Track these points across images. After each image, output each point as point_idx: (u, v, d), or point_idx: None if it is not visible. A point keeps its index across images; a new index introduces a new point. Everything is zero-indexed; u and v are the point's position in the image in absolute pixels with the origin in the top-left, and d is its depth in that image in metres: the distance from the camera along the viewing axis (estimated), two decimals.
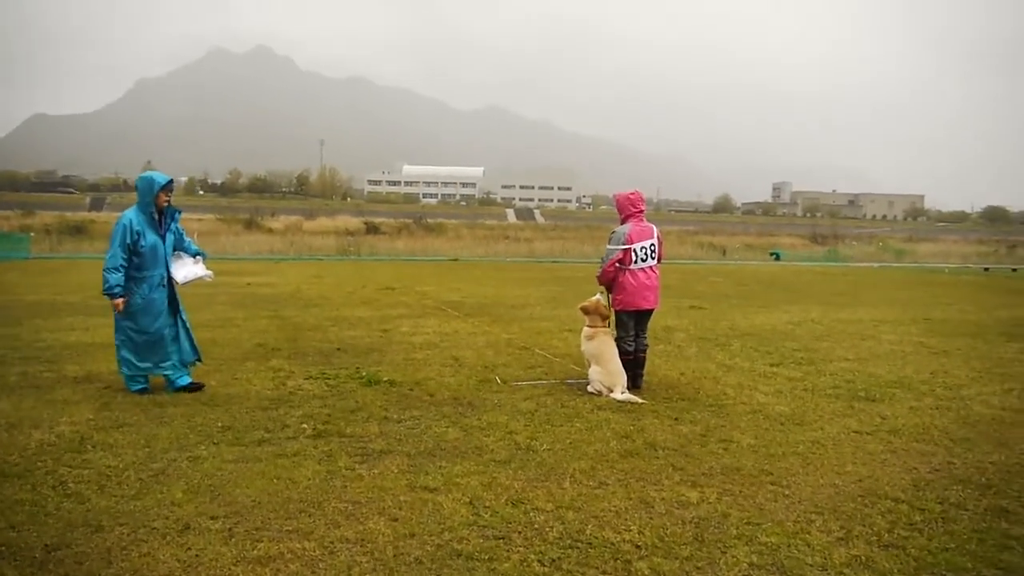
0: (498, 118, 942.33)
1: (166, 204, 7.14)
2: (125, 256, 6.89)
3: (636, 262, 7.64)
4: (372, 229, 48.61)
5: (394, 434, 6.04)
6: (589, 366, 7.59)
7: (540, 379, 8.13)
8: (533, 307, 15.08)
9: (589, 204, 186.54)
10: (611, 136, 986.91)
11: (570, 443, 5.90)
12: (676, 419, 6.64)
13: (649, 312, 7.84)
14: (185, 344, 7.36)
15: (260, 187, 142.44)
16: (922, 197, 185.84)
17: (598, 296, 7.74)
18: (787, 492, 5.03)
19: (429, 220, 62.78)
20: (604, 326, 7.59)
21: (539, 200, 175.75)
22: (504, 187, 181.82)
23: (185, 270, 7.38)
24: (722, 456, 5.70)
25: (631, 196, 7.89)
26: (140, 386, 7.17)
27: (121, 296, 6.91)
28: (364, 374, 8.07)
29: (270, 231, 47.30)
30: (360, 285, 19.29)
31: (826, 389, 7.98)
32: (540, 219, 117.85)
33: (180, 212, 7.42)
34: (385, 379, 7.85)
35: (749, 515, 4.64)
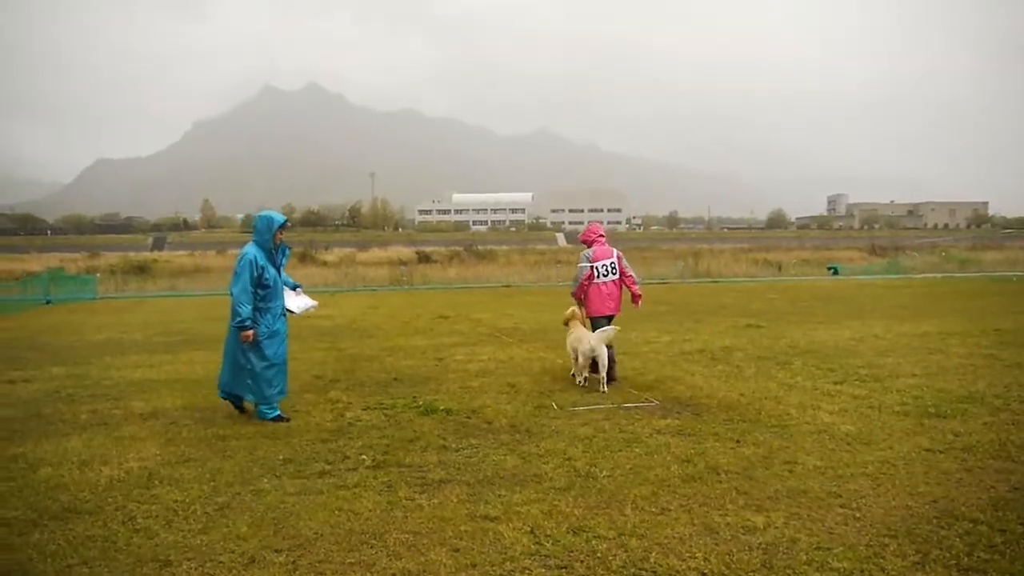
0: (544, 142, 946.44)
1: (280, 242, 7.63)
2: (252, 290, 7.34)
3: (598, 277, 9.56)
4: (424, 258, 49.17)
5: (453, 463, 6.04)
6: (574, 360, 9.28)
7: (597, 404, 8.07)
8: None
9: (639, 225, 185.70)
10: (658, 156, 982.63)
11: (630, 469, 5.83)
12: (738, 441, 6.51)
13: (612, 316, 9.65)
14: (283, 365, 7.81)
15: (314, 221, 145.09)
16: (986, 204, 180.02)
17: (573, 308, 9.84)
18: (858, 515, 4.87)
19: (480, 247, 63.26)
20: (584, 329, 9.45)
21: (589, 223, 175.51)
22: (553, 211, 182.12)
23: (298, 301, 7.96)
24: (787, 479, 5.56)
25: (591, 228, 10.04)
26: (275, 413, 7.51)
27: (253, 327, 7.33)
28: (421, 403, 8.11)
29: (324, 264, 48.15)
30: (414, 314, 19.45)
31: (893, 406, 7.74)
32: None
33: (290, 249, 7.93)
34: (442, 408, 7.88)
35: (819, 540, 4.51)
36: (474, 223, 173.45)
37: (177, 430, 7.25)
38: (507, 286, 33.91)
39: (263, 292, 7.41)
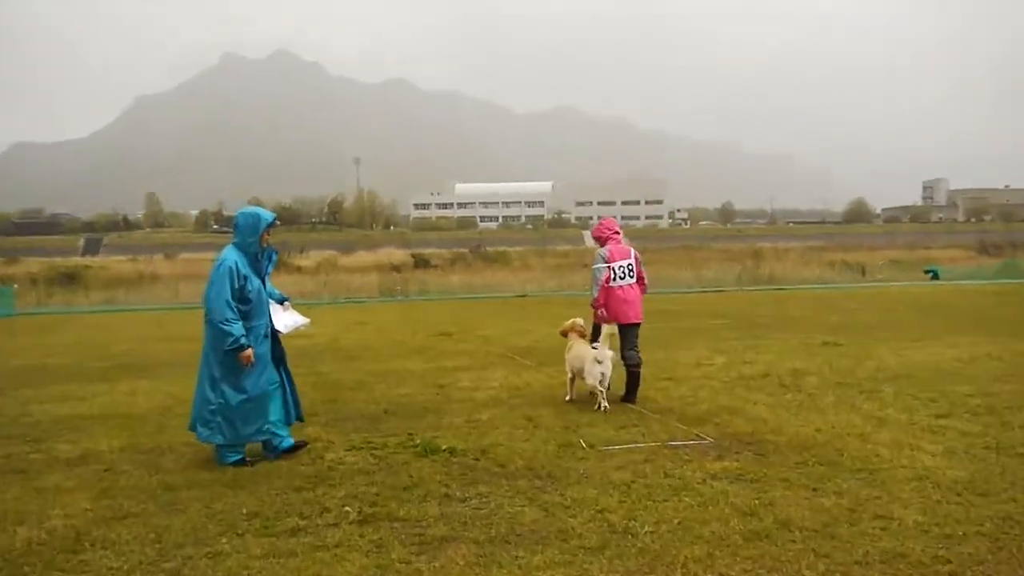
0: (566, 121, 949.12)
1: (266, 245, 7.69)
2: (234, 304, 7.39)
3: (615, 279, 10.06)
4: (422, 263, 49.34)
5: (458, 516, 6.02)
6: (570, 379, 10.09)
7: (636, 442, 8.03)
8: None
9: (685, 219, 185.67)
10: (705, 133, 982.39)
11: (678, 523, 5.79)
12: (815, 490, 6.45)
13: (635, 326, 10.16)
14: (291, 400, 7.90)
15: (286, 218, 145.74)
16: None
17: (574, 320, 10.53)
18: None
19: (489, 249, 63.43)
20: (586, 342, 10.11)
21: (623, 218, 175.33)
22: (579, 204, 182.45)
23: (285, 318, 8.01)
24: (880, 538, 5.49)
25: (604, 223, 10.66)
26: (237, 457, 7.55)
27: (251, 345, 7.40)
28: (418, 442, 8.11)
29: (299, 270, 48.38)
30: (410, 331, 19.44)
31: (1017, 447, 7.63)
32: (624, 241, 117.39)
33: (277, 253, 7.99)
34: (444, 447, 7.87)
35: None
36: (482, 219, 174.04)
37: (113, 478, 7.24)
38: (523, 296, 33.92)
39: (244, 308, 7.45)
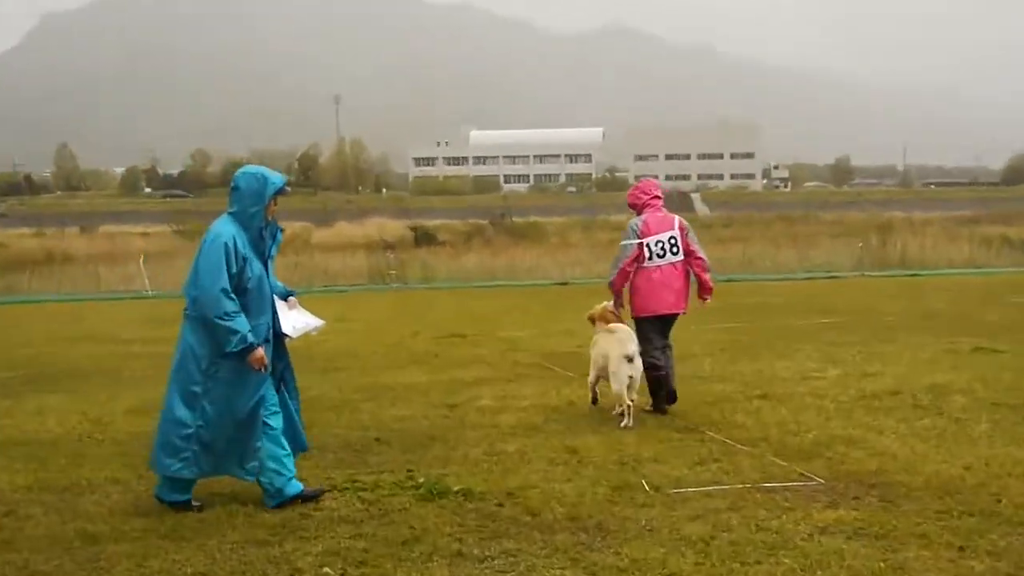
0: (622, 46, 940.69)
1: (272, 218, 7.75)
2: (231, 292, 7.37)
3: (652, 258, 10.63)
4: (425, 239, 49.34)
5: None
6: (593, 382, 11.07)
7: (718, 483, 8.06)
8: (700, 359, 14.94)
9: (785, 180, 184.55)
10: (814, 63, 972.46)
11: None
12: (961, 549, 6.45)
13: (672, 318, 10.92)
14: (298, 425, 7.98)
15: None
16: None
17: (606, 304, 11.11)
18: None
19: (516, 219, 63.24)
20: (614, 335, 10.67)
21: (699, 176, 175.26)
22: (639, 158, 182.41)
23: (293, 318, 8.01)
24: None
25: (640, 184, 11.28)
26: (184, 498, 7.54)
27: (260, 343, 7.41)
28: (421, 480, 8.13)
29: None
30: (409, 331, 19.48)
31: None
32: (702, 208, 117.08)
33: (282, 231, 8.08)
34: (456, 488, 7.89)
35: None
36: (506, 179, 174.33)
37: (17, 526, 7.32)
38: (563, 284, 33.92)
39: (240, 301, 7.39)
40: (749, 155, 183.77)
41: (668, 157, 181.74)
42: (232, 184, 7.69)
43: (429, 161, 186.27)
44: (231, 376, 7.39)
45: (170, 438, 7.39)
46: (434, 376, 13.79)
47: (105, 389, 12.80)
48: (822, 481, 8.01)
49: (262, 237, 7.65)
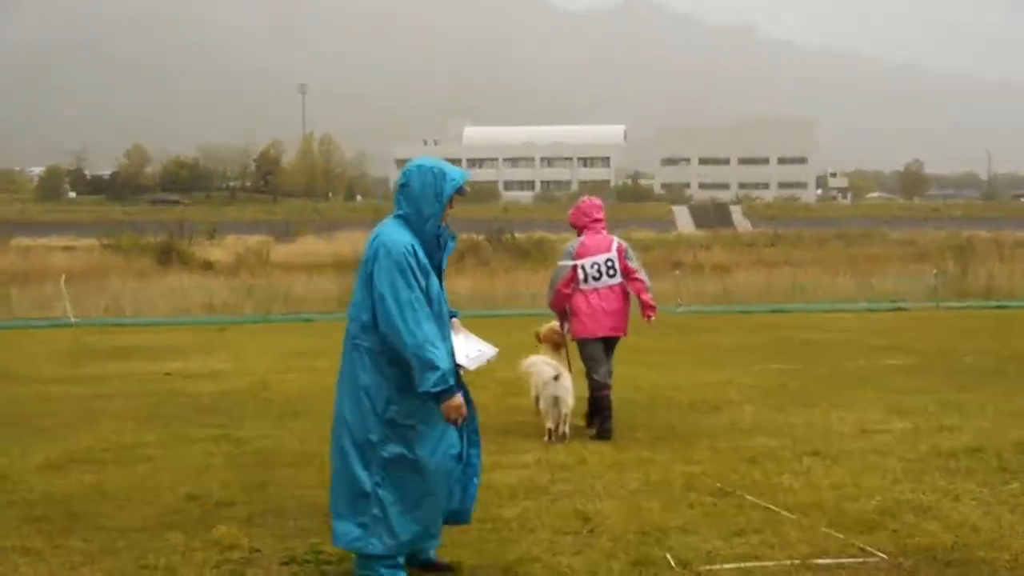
0: (646, 23, 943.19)
1: (445, 223, 7.54)
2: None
3: (587, 280, 12.37)
4: None
5: None
6: (536, 407, 12.70)
7: (759, 557, 8.08)
8: (739, 407, 14.93)
9: (843, 191, 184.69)
10: (875, 49, 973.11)
11: None
12: None
13: (613, 339, 12.80)
14: (473, 480, 7.79)
15: (185, 181, 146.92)
16: None
17: (553, 323, 13.30)
18: None
19: (518, 235, 63.21)
20: (557, 355, 13.08)
21: (740, 185, 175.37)
22: (668, 162, 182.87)
23: (467, 346, 7.75)
24: None
25: (581, 205, 12.99)
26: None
27: (459, 389, 7.17)
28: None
29: (207, 266, 48.52)
30: None
31: None
32: (743, 223, 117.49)
33: (455, 238, 7.85)
34: (443, 562, 7.87)
35: None
36: (507, 186, 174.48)
37: None
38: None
39: None
40: (801, 160, 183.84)
41: (703, 161, 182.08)
42: (401, 180, 7.49)
43: None
44: (416, 422, 7.17)
45: (351, 500, 7.21)
46: None
47: (15, 440, 12.79)
48: (886, 557, 8.01)
49: (439, 246, 7.48)
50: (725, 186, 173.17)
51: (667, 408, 14.95)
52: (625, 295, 12.46)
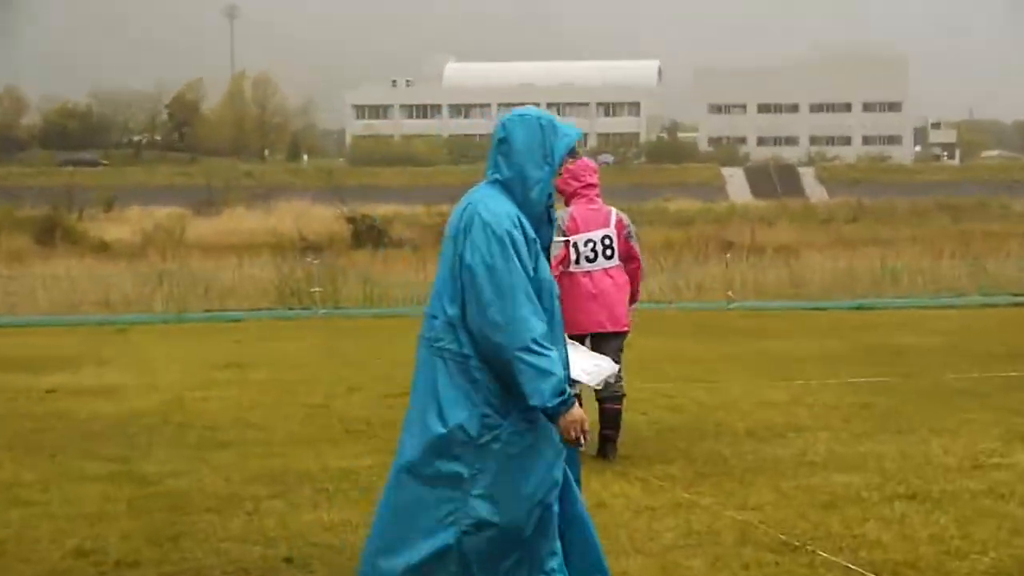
0: None
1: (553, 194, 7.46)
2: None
3: (579, 261, 12.56)
4: (370, 235, 49.32)
5: None
6: None
7: None
8: (811, 434, 14.97)
9: (950, 149, 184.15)
10: None
11: None
12: None
13: (610, 336, 12.72)
14: (594, 538, 7.57)
15: (74, 135, 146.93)
16: None
17: None
18: None
19: None
20: None
21: (812, 140, 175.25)
22: (716, 109, 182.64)
23: (583, 359, 8.06)
24: None
25: (575, 167, 12.54)
26: None
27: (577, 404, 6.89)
28: None
29: (102, 247, 48.59)
30: (343, 385, 19.53)
31: None
32: (817, 190, 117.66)
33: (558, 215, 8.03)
34: None
35: None
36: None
37: None
38: None
39: None
40: (894, 106, 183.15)
41: (762, 109, 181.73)
42: (498, 135, 7.33)
43: (379, 111, 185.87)
44: (521, 449, 6.87)
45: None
46: (382, 458, 13.71)
47: None
48: None
49: (548, 221, 7.36)
50: (793, 141, 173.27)
51: (715, 435, 14.96)
52: (624, 282, 12.65)
